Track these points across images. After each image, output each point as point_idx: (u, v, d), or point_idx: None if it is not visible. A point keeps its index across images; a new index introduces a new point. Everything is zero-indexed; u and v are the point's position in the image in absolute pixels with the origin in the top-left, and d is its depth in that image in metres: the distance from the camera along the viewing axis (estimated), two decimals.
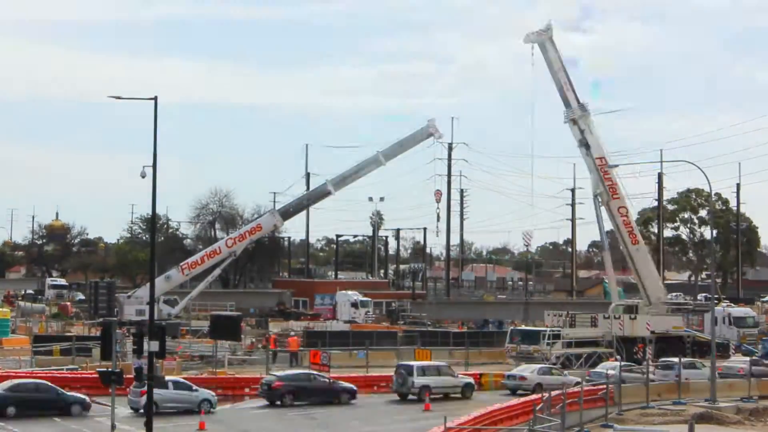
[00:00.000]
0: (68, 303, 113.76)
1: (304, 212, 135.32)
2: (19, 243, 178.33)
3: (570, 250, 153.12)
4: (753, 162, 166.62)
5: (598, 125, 77.69)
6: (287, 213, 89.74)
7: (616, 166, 76.52)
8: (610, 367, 58.32)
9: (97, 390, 49.12)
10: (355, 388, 54.36)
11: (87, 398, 48.53)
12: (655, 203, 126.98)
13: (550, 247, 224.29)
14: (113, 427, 39.27)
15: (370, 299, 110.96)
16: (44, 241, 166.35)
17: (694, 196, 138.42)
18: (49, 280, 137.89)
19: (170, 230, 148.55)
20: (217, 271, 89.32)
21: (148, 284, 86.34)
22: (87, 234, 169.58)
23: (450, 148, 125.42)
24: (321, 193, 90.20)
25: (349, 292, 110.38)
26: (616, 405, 49.41)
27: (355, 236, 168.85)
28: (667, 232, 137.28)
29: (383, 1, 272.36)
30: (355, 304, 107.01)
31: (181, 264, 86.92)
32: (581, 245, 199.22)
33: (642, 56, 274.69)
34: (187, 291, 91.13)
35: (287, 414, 49.62)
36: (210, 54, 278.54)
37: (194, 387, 50.26)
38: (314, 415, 49.30)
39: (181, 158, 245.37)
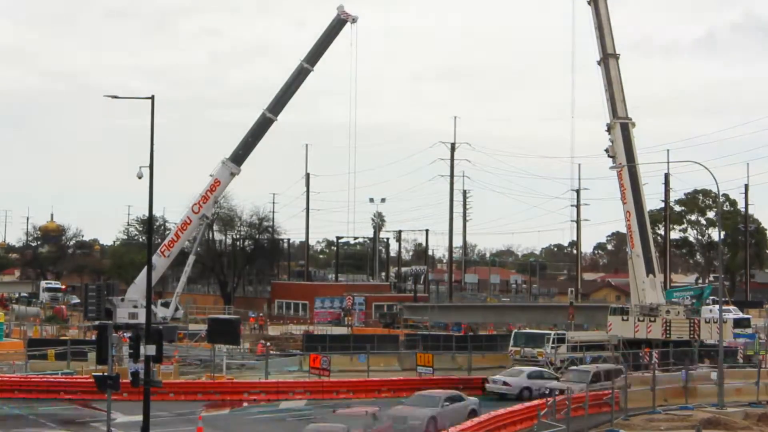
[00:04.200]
0: (63, 306, 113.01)
1: (304, 214, 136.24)
2: (13, 245, 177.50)
3: (575, 252, 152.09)
4: (761, 162, 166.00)
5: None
6: (238, 157, 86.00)
7: (621, 166, 75.46)
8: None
9: (93, 395, 48.34)
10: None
11: None
12: (662, 204, 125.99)
13: (555, 249, 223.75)
14: None
15: None
16: (39, 243, 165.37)
17: (701, 197, 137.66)
18: (43, 283, 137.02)
19: (167, 232, 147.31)
20: (192, 258, 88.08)
21: (134, 284, 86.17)
22: (82, 236, 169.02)
23: (453, 148, 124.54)
24: (263, 123, 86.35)
25: None
26: (622, 410, 48.59)
27: (355, 238, 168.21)
28: (675, 234, 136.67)
29: None
30: None
31: (159, 248, 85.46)
32: (586, 247, 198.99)
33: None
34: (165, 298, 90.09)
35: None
36: None
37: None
38: (314, 419, 48.30)
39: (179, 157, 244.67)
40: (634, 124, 75.97)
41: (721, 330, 57.96)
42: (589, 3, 76.08)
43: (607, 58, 75.04)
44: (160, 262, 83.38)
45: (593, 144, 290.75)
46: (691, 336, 71.82)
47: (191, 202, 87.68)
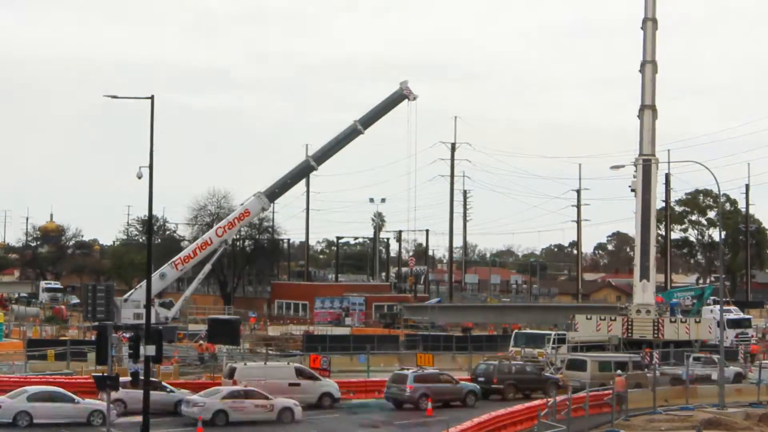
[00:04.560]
0: (63, 306, 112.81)
1: (304, 214, 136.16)
2: (13, 245, 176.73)
3: (575, 252, 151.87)
4: (762, 162, 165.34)
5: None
6: (273, 194, 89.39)
7: (622, 166, 75.61)
8: None
9: (93, 395, 48.23)
10: None
11: None
12: (663, 204, 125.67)
13: (555, 249, 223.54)
14: None
15: None
16: (38, 243, 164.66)
17: (702, 198, 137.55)
18: (43, 284, 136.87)
19: (167, 232, 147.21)
20: (208, 267, 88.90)
21: (140, 286, 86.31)
22: (82, 236, 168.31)
23: (453, 148, 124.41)
24: (304, 170, 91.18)
25: None
26: (623, 411, 48.49)
27: (355, 238, 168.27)
28: (675, 234, 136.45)
29: None
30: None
31: (173, 260, 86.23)
32: (587, 247, 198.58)
33: None
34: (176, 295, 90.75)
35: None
36: None
37: None
38: (316, 422, 48.16)
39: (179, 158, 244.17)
40: (657, 160, 79.75)
41: (723, 331, 57.88)
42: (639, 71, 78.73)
43: (644, 108, 78.96)
44: (172, 273, 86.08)
45: (594, 144, 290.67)
46: (655, 335, 73.19)
47: (216, 225, 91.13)
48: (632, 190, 79.42)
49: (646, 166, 78.55)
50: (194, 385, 54.03)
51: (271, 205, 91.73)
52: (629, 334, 73.79)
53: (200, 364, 66.95)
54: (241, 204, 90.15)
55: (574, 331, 76.38)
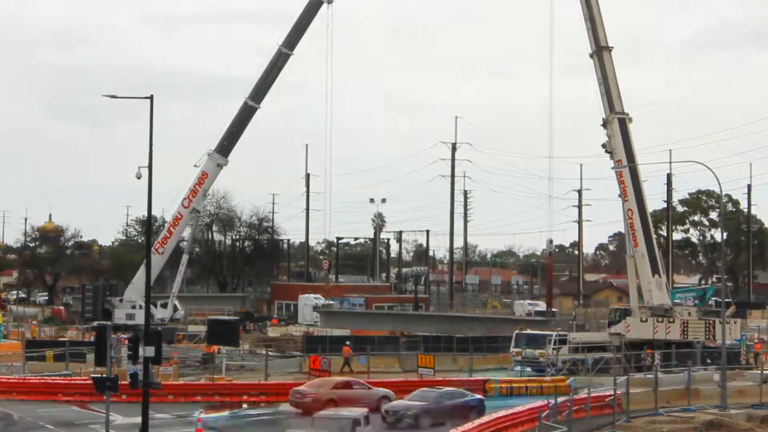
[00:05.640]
0: (61, 307, 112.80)
1: (304, 214, 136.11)
2: (11, 246, 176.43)
3: (577, 252, 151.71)
4: (764, 162, 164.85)
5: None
6: (224, 148, 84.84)
7: (624, 167, 74.85)
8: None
9: (92, 397, 48.14)
10: None
11: None
12: (664, 205, 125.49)
13: (557, 249, 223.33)
14: None
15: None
16: (37, 243, 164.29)
17: (704, 198, 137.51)
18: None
19: None
20: (185, 258, 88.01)
21: (132, 284, 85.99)
22: (81, 236, 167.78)
23: (454, 148, 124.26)
24: (245, 112, 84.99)
25: (311, 296, 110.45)
26: (624, 412, 48.30)
27: (356, 239, 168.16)
28: (677, 235, 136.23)
29: None
30: (316, 308, 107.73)
31: (153, 246, 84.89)
32: (588, 248, 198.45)
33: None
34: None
35: None
36: None
37: None
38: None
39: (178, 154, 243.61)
40: (630, 119, 74.46)
41: (724, 331, 57.60)
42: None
43: (601, 51, 73.16)
44: (155, 259, 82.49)
45: (595, 144, 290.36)
46: (707, 337, 71.49)
47: (181, 197, 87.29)
48: (607, 152, 74.17)
49: (622, 123, 73.14)
50: None
51: (227, 160, 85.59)
52: (685, 336, 71.46)
53: (200, 366, 66.84)
54: (195, 165, 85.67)
55: (625, 332, 72.62)
